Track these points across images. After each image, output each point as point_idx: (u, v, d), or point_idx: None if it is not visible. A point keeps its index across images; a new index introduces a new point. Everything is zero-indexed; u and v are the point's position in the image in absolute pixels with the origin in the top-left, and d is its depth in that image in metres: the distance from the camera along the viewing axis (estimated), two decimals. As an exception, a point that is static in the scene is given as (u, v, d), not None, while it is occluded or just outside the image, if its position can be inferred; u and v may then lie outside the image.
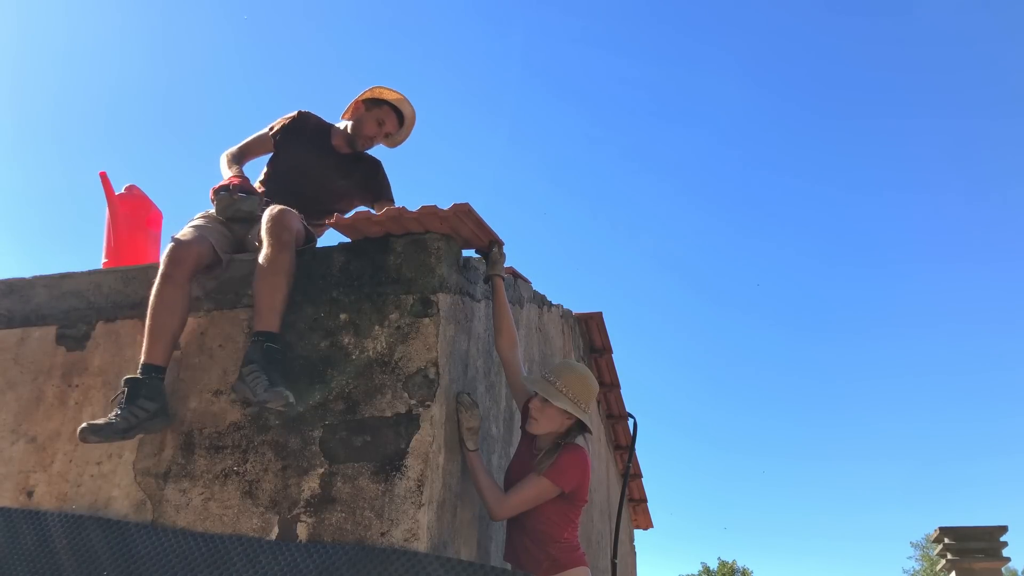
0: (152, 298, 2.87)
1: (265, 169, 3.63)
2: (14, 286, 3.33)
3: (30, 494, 2.92)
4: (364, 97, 3.59)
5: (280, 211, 2.92)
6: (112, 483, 2.85)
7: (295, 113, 3.68)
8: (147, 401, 2.73)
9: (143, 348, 2.83)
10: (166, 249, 2.96)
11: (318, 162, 3.54)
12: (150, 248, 4.14)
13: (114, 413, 2.72)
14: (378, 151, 3.76)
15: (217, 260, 3.02)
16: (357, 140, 3.59)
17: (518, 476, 2.88)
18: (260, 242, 2.91)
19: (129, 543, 2.68)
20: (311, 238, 3.09)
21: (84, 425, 2.66)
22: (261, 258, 2.82)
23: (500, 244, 3.12)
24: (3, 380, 3.16)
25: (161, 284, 2.87)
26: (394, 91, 3.58)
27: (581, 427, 2.90)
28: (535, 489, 2.79)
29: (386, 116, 3.60)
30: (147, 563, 2.61)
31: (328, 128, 3.66)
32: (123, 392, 2.76)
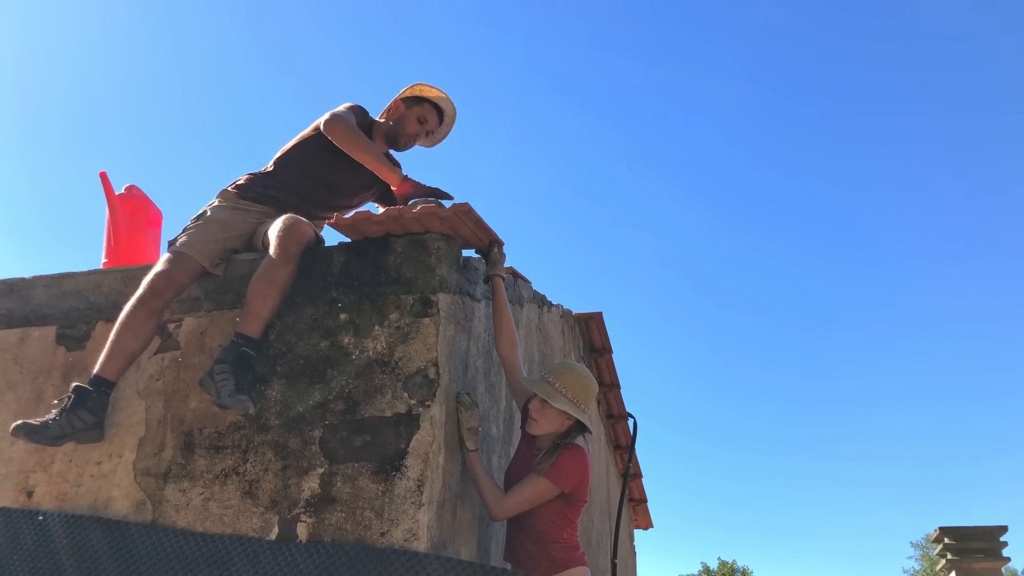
0: (124, 316, 2.89)
1: (292, 147, 3.39)
2: (14, 286, 3.33)
3: (30, 494, 2.92)
4: (405, 95, 3.47)
5: (295, 222, 2.91)
6: (112, 483, 2.85)
7: (351, 104, 3.47)
8: (88, 414, 2.78)
9: (100, 360, 2.86)
10: (150, 274, 2.95)
11: (353, 160, 3.32)
12: (150, 248, 4.14)
13: (52, 417, 2.76)
14: (413, 154, 3.59)
15: (207, 273, 3.03)
16: (399, 139, 3.46)
17: (518, 476, 2.88)
18: (267, 244, 2.91)
19: (129, 543, 2.67)
20: (320, 240, 3.07)
21: (20, 423, 2.70)
22: (264, 263, 2.84)
23: (500, 244, 3.12)
24: (3, 380, 3.15)
25: (136, 307, 2.89)
26: (435, 88, 3.46)
27: (581, 427, 2.89)
28: (535, 489, 2.79)
29: (428, 114, 3.47)
30: (147, 563, 2.61)
31: (371, 125, 3.50)
32: (69, 397, 2.79)
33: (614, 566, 5.37)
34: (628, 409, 6.55)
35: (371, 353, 2.77)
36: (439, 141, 3.61)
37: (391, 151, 3.53)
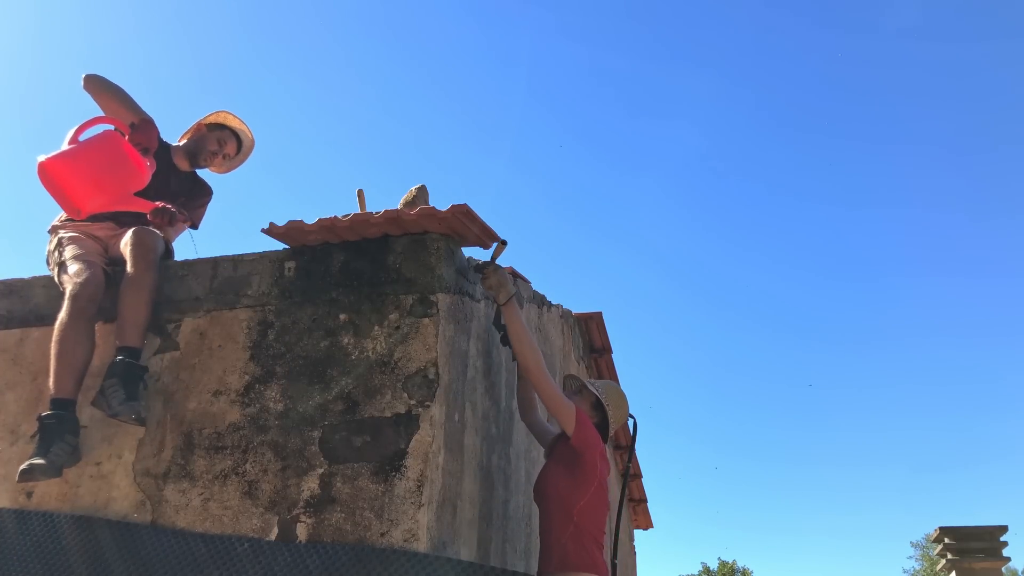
0: (62, 331, 2.88)
1: None
2: (13, 286, 3.33)
3: (30, 494, 2.91)
4: (208, 121, 3.68)
5: (144, 232, 3.07)
6: (112, 484, 2.85)
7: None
8: (71, 436, 2.81)
9: (52, 382, 2.85)
10: (75, 285, 2.96)
11: (160, 176, 3.44)
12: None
13: (46, 451, 2.74)
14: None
15: (109, 279, 3.10)
16: (199, 156, 3.64)
17: (543, 487, 2.95)
18: (124, 256, 3.03)
19: (129, 543, 2.67)
20: (170, 252, 3.25)
21: (24, 467, 2.69)
22: (128, 276, 2.97)
23: (503, 243, 3.10)
24: (3, 380, 3.15)
25: (74, 319, 2.90)
26: (238, 119, 3.70)
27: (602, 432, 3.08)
28: (561, 392, 2.93)
29: (228, 139, 3.70)
30: (149, 562, 2.61)
31: (168, 146, 3.64)
32: (49, 426, 2.78)
33: (614, 566, 5.34)
34: (628, 410, 6.52)
35: (371, 353, 2.77)
36: (234, 168, 3.82)
37: (193, 169, 3.70)
